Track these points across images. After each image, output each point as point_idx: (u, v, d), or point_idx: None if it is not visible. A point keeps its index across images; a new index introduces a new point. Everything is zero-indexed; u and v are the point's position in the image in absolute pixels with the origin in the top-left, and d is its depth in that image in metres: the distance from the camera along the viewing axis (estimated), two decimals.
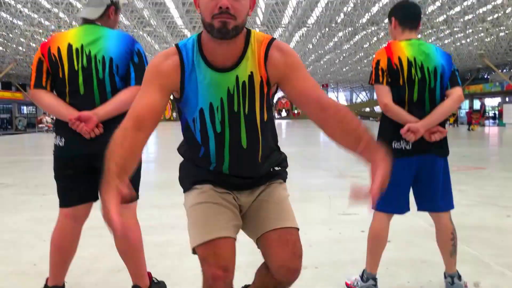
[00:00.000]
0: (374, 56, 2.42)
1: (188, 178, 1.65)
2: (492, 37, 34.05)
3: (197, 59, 1.45)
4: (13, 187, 6.50)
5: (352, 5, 28.21)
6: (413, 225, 3.79)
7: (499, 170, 7.61)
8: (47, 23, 30.28)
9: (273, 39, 1.49)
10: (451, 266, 2.42)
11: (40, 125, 31.06)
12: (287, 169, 1.76)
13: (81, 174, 2.26)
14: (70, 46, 2.23)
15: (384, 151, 1.40)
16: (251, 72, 1.46)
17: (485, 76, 53.79)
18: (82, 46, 2.22)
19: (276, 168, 1.68)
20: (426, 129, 2.26)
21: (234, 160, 1.56)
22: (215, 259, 1.45)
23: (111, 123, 2.16)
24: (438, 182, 2.37)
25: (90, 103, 2.20)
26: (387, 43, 2.48)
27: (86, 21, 2.32)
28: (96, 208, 2.40)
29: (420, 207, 2.46)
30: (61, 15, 29.14)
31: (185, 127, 1.59)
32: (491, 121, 41.07)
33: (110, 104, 2.20)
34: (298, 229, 1.60)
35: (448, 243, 2.40)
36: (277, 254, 1.51)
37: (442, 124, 2.36)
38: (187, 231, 1.56)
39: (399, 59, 2.29)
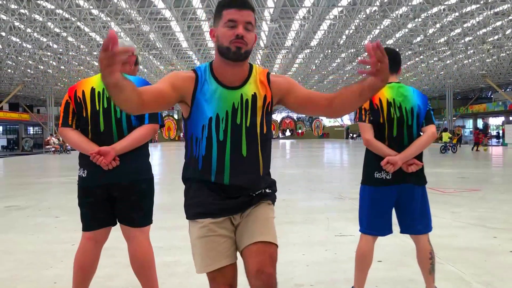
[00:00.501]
0: None
1: (192, 209, 1.84)
2: (494, 57, 34.47)
3: (209, 78, 1.79)
4: (26, 209, 6.79)
5: (353, 27, 28.76)
6: (404, 245, 4.04)
7: (493, 192, 7.81)
8: (55, 46, 30.98)
9: (269, 72, 1.89)
10: (430, 283, 2.68)
11: (47, 146, 31.52)
12: (276, 193, 1.99)
13: (101, 202, 2.57)
14: (93, 90, 2.58)
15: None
16: (254, 93, 1.79)
17: (489, 95, 54.07)
18: (103, 89, 2.56)
19: (268, 191, 1.91)
20: (404, 161, 2.57)
21: (234, 167, 1.77)
22: (222, 279, 1.73)
23: (127, 155, 2.50)
24: (415, 208, 2.65)
25: (109, 139, 2.53)
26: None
27: None
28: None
29: (402, 231, 2.74)
30: (70, 38, 29.88)
31: (190, 140, 1.85)
32: (495, 140, 41.09)
33: (126, 140, 2.52)
34: (277, 246, 1.83)
35: (427, 262, 2.67)
36: (254, 260, 1.74)
37: (419, 157, 2.66)
38: (192, 256, 1.83)
39: (380, 100, 2.62)
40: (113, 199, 2.55)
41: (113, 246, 3.35)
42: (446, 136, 24.31)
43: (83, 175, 2.58)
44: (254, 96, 1.79)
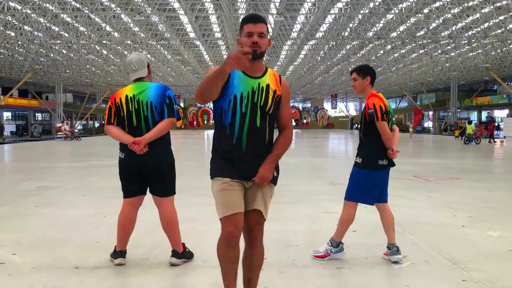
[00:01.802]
0: (367, 99, 3.70)
1: (217, 171, 2.53)
2: (498, 50, 34.90)
3: (237, 70, 2.55)
4: (56, 189, 7.74)
5: (357, 21, 29.34)
6: (372, 220, 4.92)
7: (472, 180, 8.65)
8: (66, 34, 31.81)
9: (280, 75, 2.68)
10: (392, 238, 3.70)
11: (59, 133, 32.57)
12: (278, 172, 2.67)
13: (135, 177, 3.55)
14: (127, 96, 3.55)
15: (272, 163, 2.54)
16: (268, 84, 2.54)
17: (494, 88, 54.37)
18: (133, 95, 3.53)
19: (275, 174, 2.61)
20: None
21: (250, 134, 2.47)
22: (232, 221, 2.51)
23: (153, 143, 3.46)
24: (387, 183, 3.73)
25: (139, 131, 3.50)
26: (373, 93, 3.72)
27: (137, 80, 3.61)
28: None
29: (377, 200, 3.74)
30: (81, 28, 30.72)
31: (219, 113, 2.54)
32: (500, 132, 41.51)
33: (152, 131, 3.48)
34: (265, 219, 2.61)
35: (391, 221, 3.69)
36: (249, 222, 2.56)
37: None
38: (215, 206, 2.57)
39: (386, 105, 3.63)
40: (142, 175, 3.53)
41: (145, 207, 4.26)
42: (470, 128, 25.25)
43: (122, 157, 3.54)
44: (268, 86, 2.54)
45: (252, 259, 2.61)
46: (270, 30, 2.89)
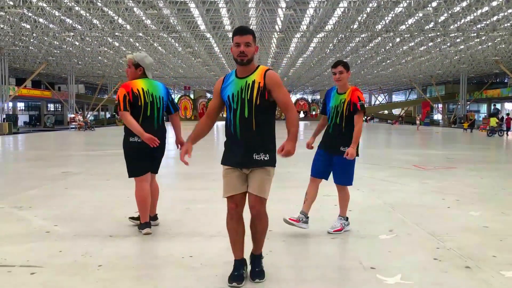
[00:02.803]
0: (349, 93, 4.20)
1: (223, 158, 3.12)
2: (507, 44, 34.94)
3: (232, 75, 3.11)
4: (80, 175, 8.43)
5: (365, 15, 29.63)
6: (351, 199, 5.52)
7: (467, 169, 9.17)
8: (79, 27, 32.51)
9: (268, 68, 3.14)
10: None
11: (73, 123, 33.44)
12: (274, 156, 3.17)
13: (147, 157, 4.25)
14: (143, 89, 4.22)
15: (292, 140, 3.01)
16: (254, 80, 2.99)
17: (505, 81, 54.20)
18: (148, 89, 4.24)
19: (265, 158, 3.09)
20: None
21: (241, 124, 2.97)
22: (231, 201, 3.12)
23: (162, 134, 4.26)
24: None
25: (151, 120, 4.23)
26: (355, 87, 4.26)
27: (145, 76, 4.34)
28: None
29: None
30: (95, 21, 31.40)
31: (226, 109, 3.14)
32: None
33: (178, 130, 4.39)
34: (265, 198, 3.11)
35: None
36: (250, 202, 3.08)
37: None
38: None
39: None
40: (153, 156, 4.31)
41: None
42: (493, 121, 25.73)
43: (139, 141, 4.16)
44: (253, 82, 2.99)
45: (256, 227, 3.15)
46: (256, 39, 3.14)
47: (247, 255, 3.21)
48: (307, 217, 4.31)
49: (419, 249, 3.82)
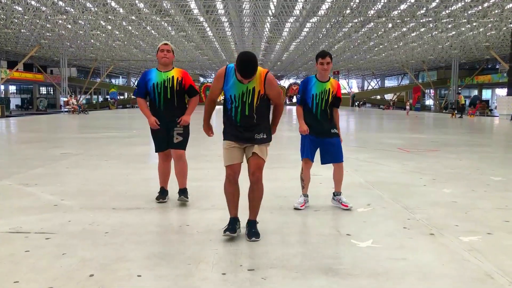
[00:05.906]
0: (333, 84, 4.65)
1: (224, 135, 3.66)
2: (497, 30, 35.35)
3: (233, 75, 3.61)
4: (79, 155, 8.80)
5: (358, 0, 29.83)
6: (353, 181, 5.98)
7: (448, 152, 9.63)
8: (72, 10, 32.41)
9: (268, 71, 3.65)
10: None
11: (67, 107, 33.58)
12: (269, 136, 3.75)
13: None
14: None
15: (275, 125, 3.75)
16: (254, 87, 3.60)
17: (497, 67, 54.72)
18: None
19: (263, 136, 3.69)
20: None
21: (242, 118, 3.56)
22: (231, 168, 3.64)
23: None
24: None
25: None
26: (338, 82, 4.69)
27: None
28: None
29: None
30: (88, 4, 31.31)
31: (226, 99, 3.68)
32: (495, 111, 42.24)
33: (191, 108, 4.80)
34: (264, 160, 3.69)
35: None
36: (251, 166, 3.64)
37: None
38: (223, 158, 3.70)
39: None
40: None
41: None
42: (462, 99, 26.50)
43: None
44: (254, 89, 3.58)
45: (254, 194, 3.70)
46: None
47: (240, 218, 3.69)
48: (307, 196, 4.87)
49: (391, 220, 4.29)
